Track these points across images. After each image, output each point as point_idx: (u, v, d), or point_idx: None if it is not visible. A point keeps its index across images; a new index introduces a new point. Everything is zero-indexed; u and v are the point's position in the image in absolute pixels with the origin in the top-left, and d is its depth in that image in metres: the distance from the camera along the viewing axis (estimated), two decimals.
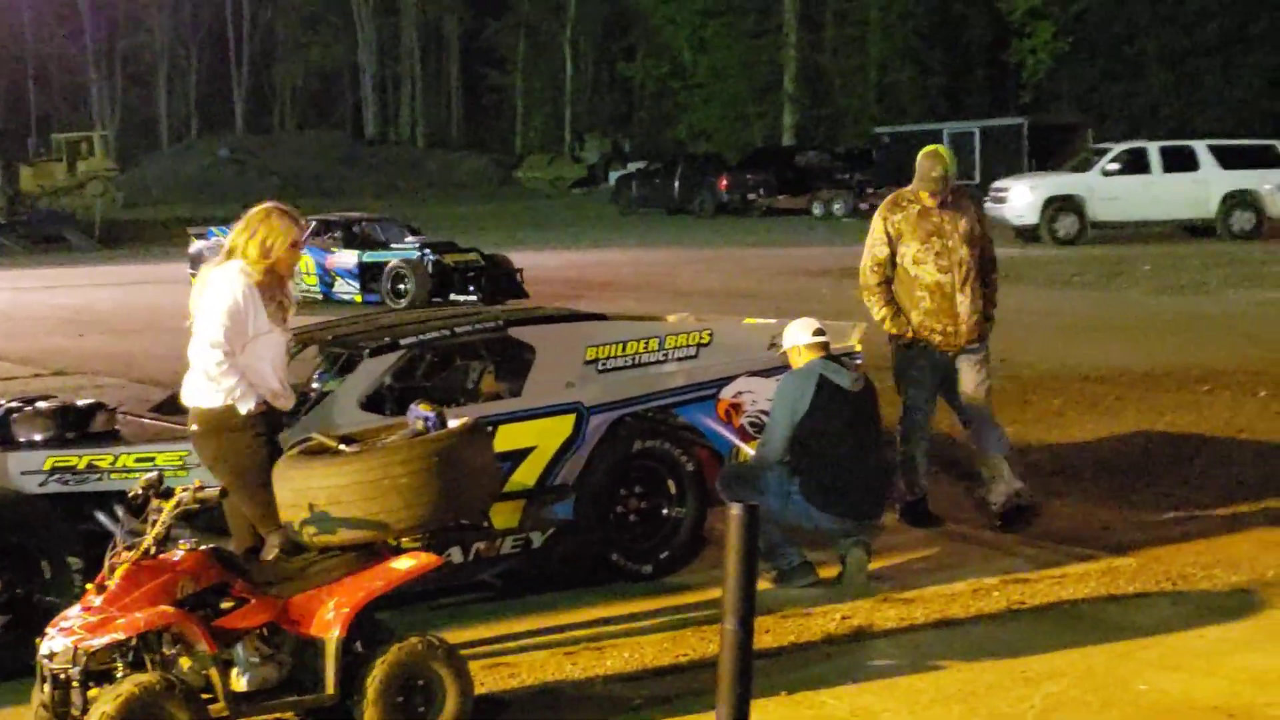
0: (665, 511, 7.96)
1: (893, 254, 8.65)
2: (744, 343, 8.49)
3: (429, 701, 5.57)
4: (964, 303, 8.60)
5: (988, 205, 32.37)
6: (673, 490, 7.96)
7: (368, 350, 7.55)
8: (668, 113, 67.44)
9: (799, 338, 7.82)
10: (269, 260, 6.24)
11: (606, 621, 7.09)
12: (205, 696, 5.39)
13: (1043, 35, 58.06)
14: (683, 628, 6.84)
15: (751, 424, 8.13)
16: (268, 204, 6.43)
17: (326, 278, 22.89)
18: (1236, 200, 31.65)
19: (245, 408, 6.12)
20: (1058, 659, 6.33)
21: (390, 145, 73.86)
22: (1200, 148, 32.29)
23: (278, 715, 5.62)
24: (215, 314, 6.15)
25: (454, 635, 6.14)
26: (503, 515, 7.40)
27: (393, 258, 22.36)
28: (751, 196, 45.74)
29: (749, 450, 8.01)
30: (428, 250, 22.29)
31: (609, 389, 7.87)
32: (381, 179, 63.14)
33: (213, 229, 24.22)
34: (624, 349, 8.02)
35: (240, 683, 5.49)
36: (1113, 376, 13.34)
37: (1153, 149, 32.29)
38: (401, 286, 21.90)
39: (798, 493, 7.55)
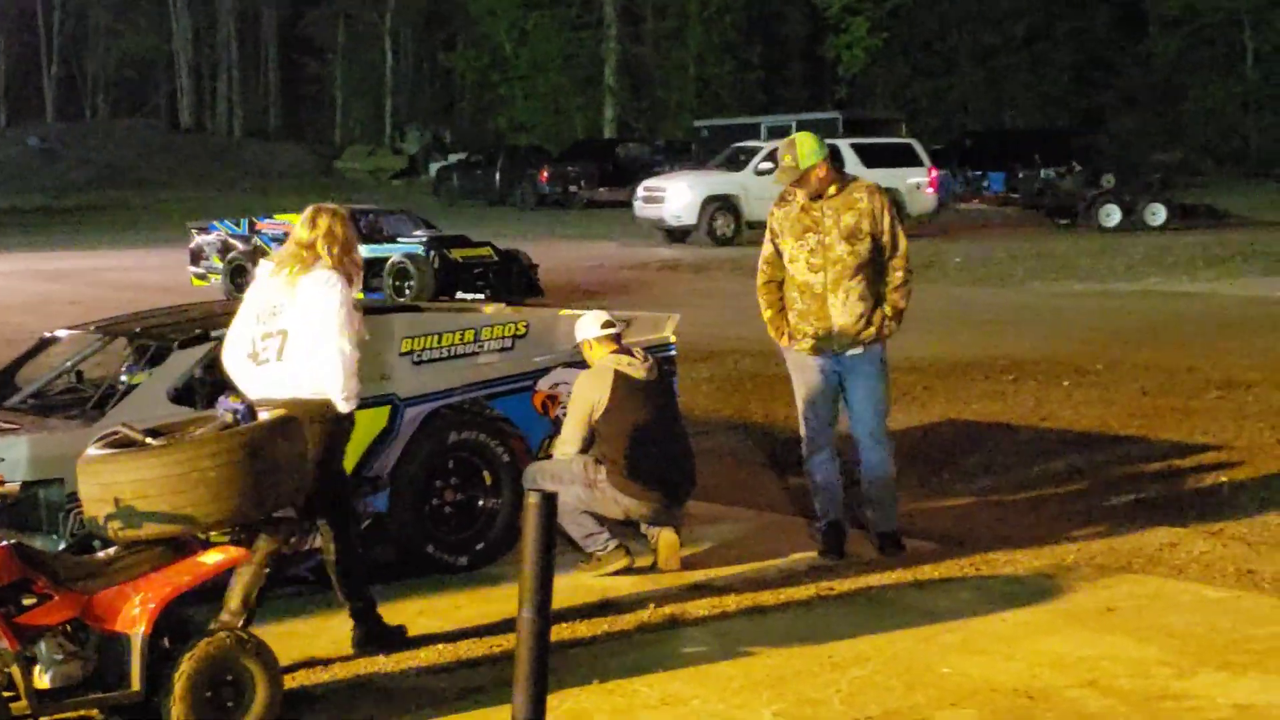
0: (481, 503, 7.97)
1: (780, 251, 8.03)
2: (560, 334, 8.52)
3: (238, 697, 5.52)
4: (836, 304, 7.85)
5: (638, 205, 32.11)
6: (489, 482, 7.98)
7: (177, 342, 7.44)
8: (489, 104, 67.24)
9: (589, 331, 7.90)
10: (350, 265, 6.64)
11: (421, 614, 7.07)
12: (7, 695, 5.28)
13: (857, 31, 58.85)
14: (497, 619, 6.85)
15: (564, 413, 8.17)
16: (332, 207, 6.78)
17: None
18: None
19: (349, 408, 6.51)
20: (864, 644, 6.45)
21: (206, 135, 72.65)
22: (844, 146, 32.12)
23: (83, 713, 5.53)
24: (338, 316, 6.45)
25: (263, 630, 6.08)
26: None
27: (395, 252, 20.71)
28: (573, 189, 45.83)
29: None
30: (434, 244, 20.79)
31: (424, 381, 7.86)
32: (197, 169, 62.03)
33: (215, 223, 22.90)
34: (439, 340, 8.01)
35: (43, 680, 5.39)
36: (922, 367, 13.60)
37: None
38: (404, 284, 20.38)
39: (604, 481, 7.61)
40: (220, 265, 21.89)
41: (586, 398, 7.70)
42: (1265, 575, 7.39)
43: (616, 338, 7.92)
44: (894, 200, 34.62)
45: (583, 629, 6.77)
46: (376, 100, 74.10)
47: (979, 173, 49.36)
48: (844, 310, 7.85)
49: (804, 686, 5.95)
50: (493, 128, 66.12)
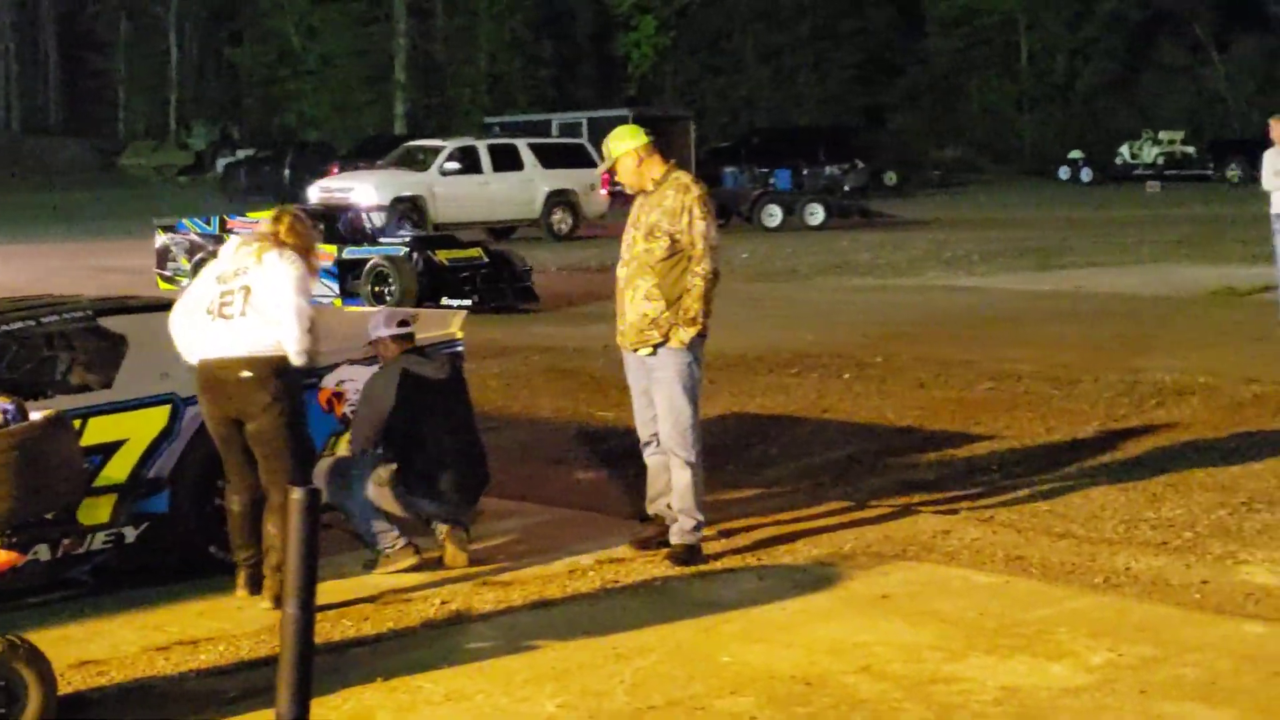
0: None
1: None
2: (345, 331, 8.47)
3: (10, 703, 5.41)
4: (627, 301, 7.82)
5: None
6: None
7: None
8: (277, 99, 66.34)
9: (381, 330, 7.90)
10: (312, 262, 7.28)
11: (202, 615, 7.00)
12: None
13: (647, 29, 59.31)
14: (279, 618, 6.80)
15: (354, 412, 8.13)
16: (295, 209, 7.55)
17: None
18: (558, 200, 31.95)
19: (302, 360, 7.03)
20: (648, 635, 6.55)
21: None
22: (523, 146, 32.44)
23: None
24: (299, 279, 7.05)
25: (38, 634, 5.97)
26: (95, 510, 7.23)
27: (375, 254, 19.06)
28: None
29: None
30: (418, 245, 19.22)
31: None
32: None
33: (183, 221, 21.49)
34: None
35: None
36: (707, 362, 13.72)
37: (482, 148, 32.17)
38: (384, 288, 18.71)
39: (394, 479, 7.61)
40: (187, 266, 20.15)
41: (376, 396, 7.69)
42: (1033, 561, 7.65)
43: (408, 336, 7.91)
44: (569, 201, 31.67)
45: (367, 627, 6.77)
46: (161, 95, 72.65)
47: (765, 170, 50.03)
48: (632, 308, 7.79)
49: (588, 679, 6.02)
50: (281, 123, 65.24)
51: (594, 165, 32.94)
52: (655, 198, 7.81)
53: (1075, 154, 58.62)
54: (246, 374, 7.00)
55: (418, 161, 32.01)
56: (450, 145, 32.42)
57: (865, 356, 14.48)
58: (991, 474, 9.61)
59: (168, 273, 20.86)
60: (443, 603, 7.10)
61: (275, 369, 6.99)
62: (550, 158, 32.50)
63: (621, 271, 7.91)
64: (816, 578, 7.40)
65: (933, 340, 15.60)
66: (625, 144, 7.86)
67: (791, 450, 10.50)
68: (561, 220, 32.14)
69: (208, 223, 21.11)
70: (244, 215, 21.31)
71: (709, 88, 64.47)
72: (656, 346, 7.74)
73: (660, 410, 7.79)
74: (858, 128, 60.28)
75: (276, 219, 7.28)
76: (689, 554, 7.71)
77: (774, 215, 33.98)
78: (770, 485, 9.46)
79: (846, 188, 49.04)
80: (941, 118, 66.48)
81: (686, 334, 7.70)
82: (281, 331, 6.97)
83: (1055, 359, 14.07)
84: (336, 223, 19.80)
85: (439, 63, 62.32)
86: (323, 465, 7.80)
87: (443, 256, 19.19)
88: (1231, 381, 12.62)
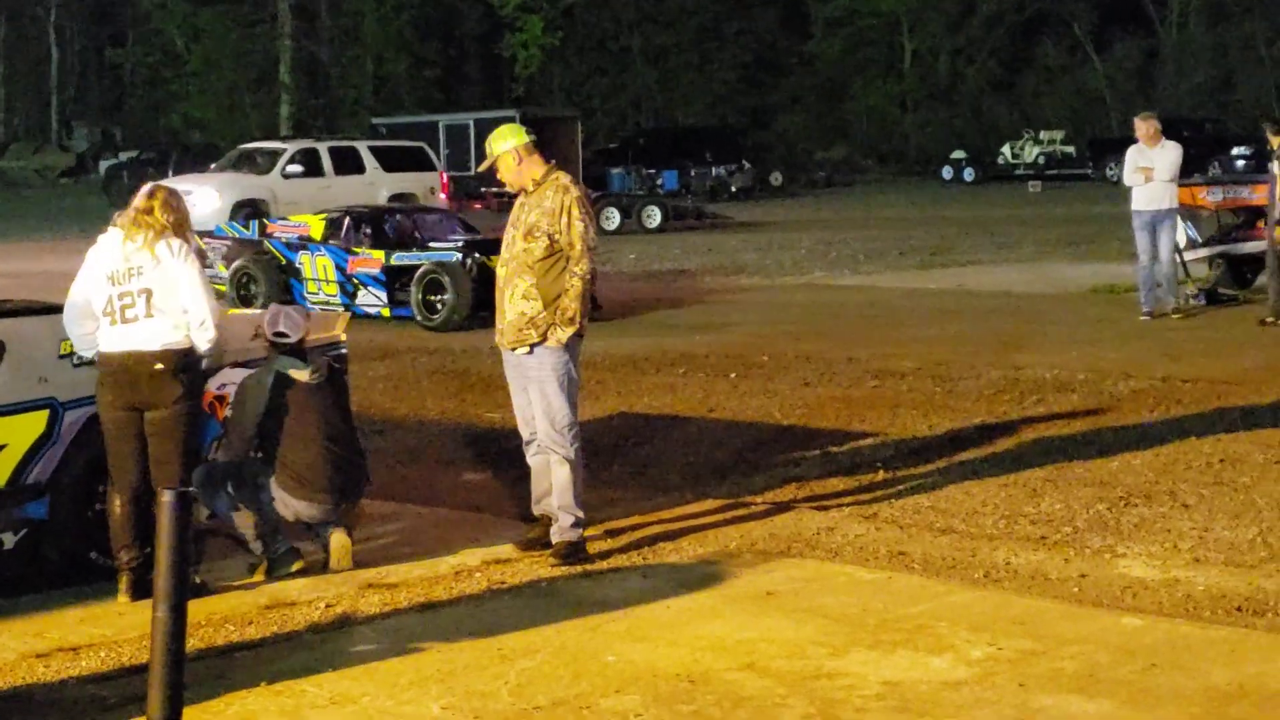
0: (150, 507, 7.80)
1: None
2: (229, 334, 8.39)
3: None
4: (504, 301, 7.86)
5: None
6: None
7: None
8: (160, 101, 65.60)
9: (265, 329, 7.86)
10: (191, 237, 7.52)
11: (83, 621, 6.91)
12: None
13: (533, 30, 59.23)
14: None
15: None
16: (167, 185, 7.64)
17: (349, 286, 18.09)
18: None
19: (208, 347, 7.31)
20: (533, 635, 6.55)
21: None
22: (363, 149, 32.18)
23: None
24: (199, 272, 7.34)
25: None
26: None
27: (426, 260, 17.55)
28: None
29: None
30: (471, 250, 17.47)
31: (85, 383, 7.65)
32: None
33: (220, 226, 20.77)
34: None
35: None
36: (595, 361, 13.80)
37: (323, 149, 31.93)
38: (437, 297, 17.27)
39: (273, 483, 7.56)
40: (225, 274, 19.02)
41: (246, 397, 7.66)
42: (915, 556, 7.74)
43: (282, 339, 7.85)
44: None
45: (251, 631, 6.72)
46: (41, 96, 71.56)
47: (652, 170, 50.13)
48: (510, 308, 7.82)
49: (473, 680, 6.02)
50: (165, 125, 64.49)
51: (434, 168, 32.68)
52: (535, 198, 7.84)
53: (958, 154, 59.35)
54: (160, 366, 7.17)
55: (258, 165, 31.50)
56: (291, 148, 32.11)
57: (752, 355, 14.57)
58: (875, 471, 9.71)
59: None
60: (327, 606, 7.07)
61: (187, 361, 7.21)
62: (391, 160, 32.13)
63: (501, 271, 7.94)
64: (701, 576, 7.44)
65: (818, 339, 15.73)
66: (506, 143, 7.90)
67: (677, 449, 10.54)
68: None
69: (245, 226, 20.25)
70: (286, 218, 20.67)
71: (596, 88, 64.56)
72: (534, 346, 7.77)
73: (538, 409, 7.83)
74: (744, 128, 60.67)
75: (150, 195, 7.35)
76: (571, 551, 7.72)
77: (611, 218, 33.90)
78: (656, 484, 9.50)
79: (734, 188, 49.38)
80: (827, 118, 67.09)
81: (565, 333, 7.74)
82: (192, 326, 7.22)
83: (938, 356, 14.24)
84: (383, 226, 18.88)
85: (324, 64, 61.85)
86: (201, 469, 7.73)
87: (496, 263, 18.18)
88: (1110, 377, 12.84)
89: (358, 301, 17.88)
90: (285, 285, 18.60)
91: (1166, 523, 8.24)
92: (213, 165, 34.29)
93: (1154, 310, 16.80)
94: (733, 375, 13.52)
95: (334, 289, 18.17)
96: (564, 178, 7.92)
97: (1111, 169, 52.22)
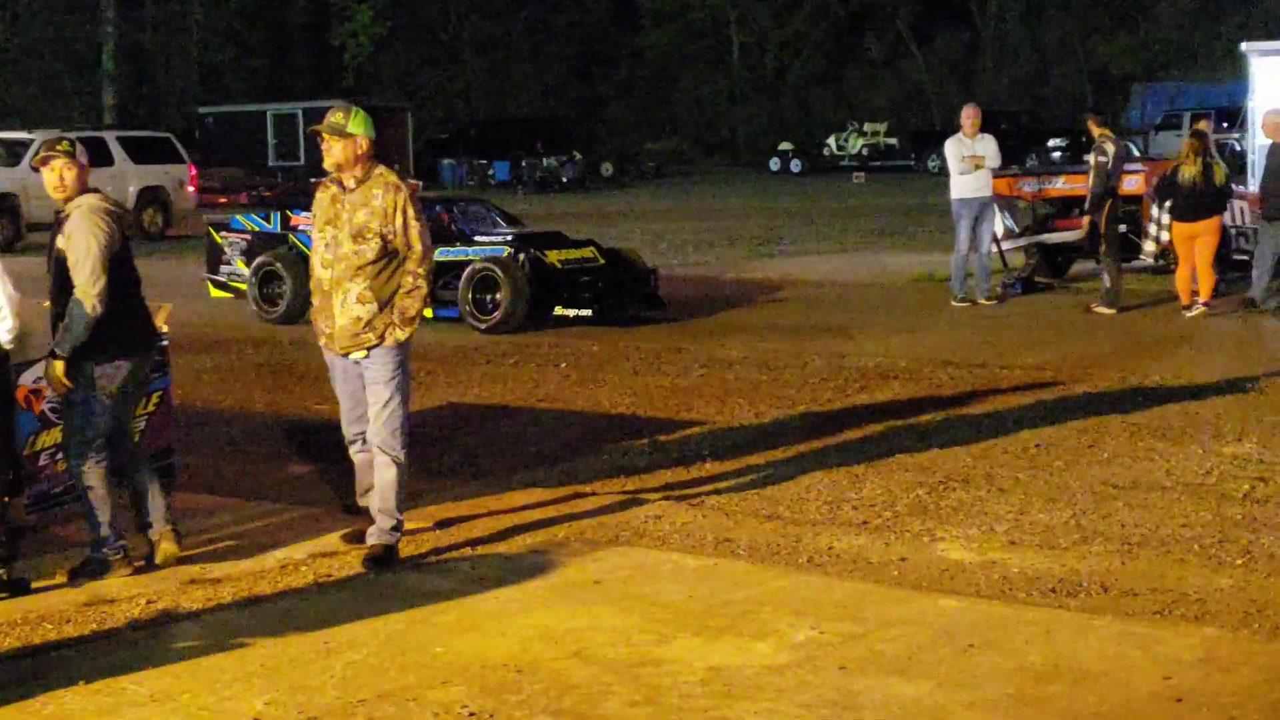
0: None
1: None
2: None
3: None
4: (337, 304, 7.57)
5: None
6: None
7: None
8: None
9: None
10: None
11: None
12: None
13: (363, 18, 58.72)
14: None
15: (52, 410, 7.91)
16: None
17: None
18: (150, 197, 30.80)
19: (9, 341, 7.28)
20: (360, 628, 6.52)
21: None
22: (112, 140, 31.20)
23: None
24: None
25: None
26: None
27: (475, 256, 16.21)
28: None
29: None
30: (523, 244, 16.33)
31: None
32: None
33: (237, 218, 18.84)
34: None
35: None
36: (426, 352, 13.76)
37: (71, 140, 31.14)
38: (489, 295, 15.90)
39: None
40: (245, 270, 17.63)
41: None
42: (741, 543, 7.83)
43: None
44: (160, 199, 31.17)
45: (70, 629, 6.61)
46: None
47: (484, 161, 49.99)
48: (343, 311, 7.57)
49: (298, 674, 5.98)
50: None
51: (183, 160, 31.54)
52: (359, 196, 7.58)
53: (785, 145, 59.97)
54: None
55: (5, 157, 29.98)
56: (39, 138, 31.14)
57: (582, 345, 14.62)
58: (702, 459, 9.80)
59: (220, 277, 18.33)
60: (149, 602, 6.97)
61: None
62: (140, 152, 31.10)
63: (325, 274, 7.64)
64: (530, 565, 7.47)
65: (647, 328, 15.81)
66: (362, 129, 7.59)
67: (507, 440, 10.55)
68: (153, 219, 30.69)
69: (266, 219, 18.36)
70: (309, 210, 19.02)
71: (427, 79, 64.17)
72: (370, 348, 7.58)
73: (374, 410, 7.63)
74: (575, 120, 60.76)
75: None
76: (386, 555, 7.57)
77: None
78: (486, 474, 9.50)
79: (564, 179, 49.43)
80: (656, 110, 67.44)
81: (404, 334, 7.58)
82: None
83: (764, 345, 14.41)
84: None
85: (149, 52, 60.71)
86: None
87: (554, 258, 16.16)
88: (930, 365, 13.10)
89: None
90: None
91: (984, 506, 8.43)
92: None
93: (968, 298, 17.18)
94: (562, 365, 13.56)
95: None
96: (390, 175, 7.71)
97: (933, 160, 53.22)
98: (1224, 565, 7.26)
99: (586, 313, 15.84)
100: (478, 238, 16.64)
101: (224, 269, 18.28)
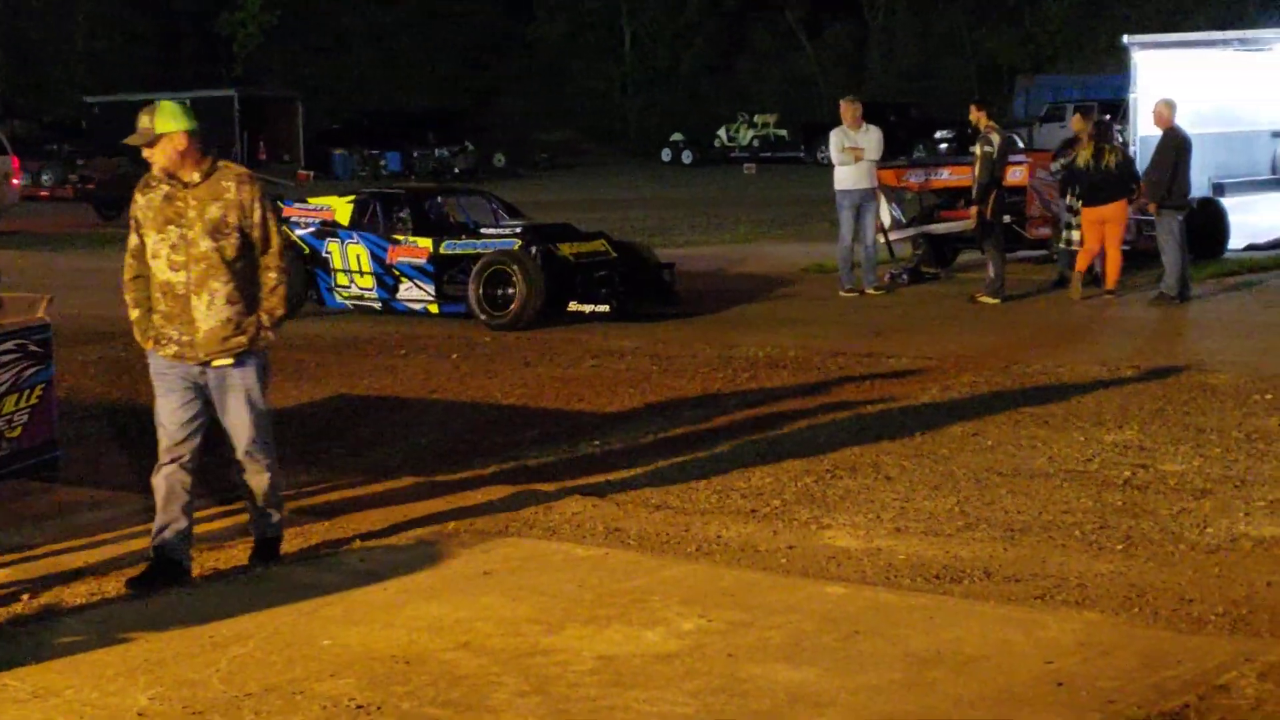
0: None
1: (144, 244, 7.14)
2: None
3: None
4: (200, 307, 7.04)
5: None
6: None
7: None
8: None
9: None
10: None
11: None
12: None
13: (251, 7, 58.14)
14: None
15: None
16: None
17: (388, 278, 16.12)
18: None
19: None
20: (246, 622, 6.48)
21: None
22: None
23: None
24: None
25: None
26: None
27: (486, 248, 15.58)
28: None
29: None
30: (534, 237, 15.70)
31: None
32: None
33: None
34: None
35: None
36: (317, 344, 13.70)
37: None
38: (503, 291, 15.23)
39: None
40: None
41: None
42: (631, 532, 7.86)
43: None
44: None
45: None
46: None
47: (375, 152, 49.71)
48: (209, 314, 7.04)
49: (182, 669, 5.93)
50: None
51: (6, 152, 30.64)
52: (207, 190, 7.04)
53: (677, 136, 60.11)
54: None
55: None
56: None
57: (473, 337, 14.60)
58: (593, 449, 9.82)
59: None
60: (30, 597, 6.88)
61: None
62: None
63: (178, 276, 7.04)
64: (420, 557, 7.44)
65: (540, 319, 15.77)
66: (177, 123, 6.99)
67: (398, 431, 10.52)
68: None
69: None
70: (305, 201, 17.66)
71: (318, 69, 63.66)
72: (240, 354, 7.13)
73: (242, 418, 7.20)
74: (468, 110, 60.55)
75: None
76: (272, 550, 7.47)
77: None
78: (376, 466, 9.46)
79: (456, 170, 49.25)
80: (549, 101, 67.33)
81: (271, 336, 7.23)
82: None
83: (655, 336, 14.46)
84: (424, 210, 16.69)
85: (32, 40, 59.76)
86: None
87: (566, 251, 15.67)
88: (819, 355, 13.22)
89: (399, 296, 16.08)
90: (309, 277, 16.51)
91: (871, 494, 8.52)
92: None
93: (856, 288, 17.35)
94: (454, 356, 13.54)
95: (370, 281, 16.21)
96: (237, 167, 7.19)
97: (822, 151, 53.60)
98: (1104, 550, 7.38)
99: (604, 308, 15.35)
100: (484, 230, 16.16)
101: None
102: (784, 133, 59.69)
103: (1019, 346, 13.70)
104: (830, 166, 18.03)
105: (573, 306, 15.41)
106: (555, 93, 67.71)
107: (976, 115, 17.03)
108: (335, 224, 16.64)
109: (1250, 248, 20.71)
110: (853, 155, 17.16)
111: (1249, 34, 24.46)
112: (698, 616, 6.46)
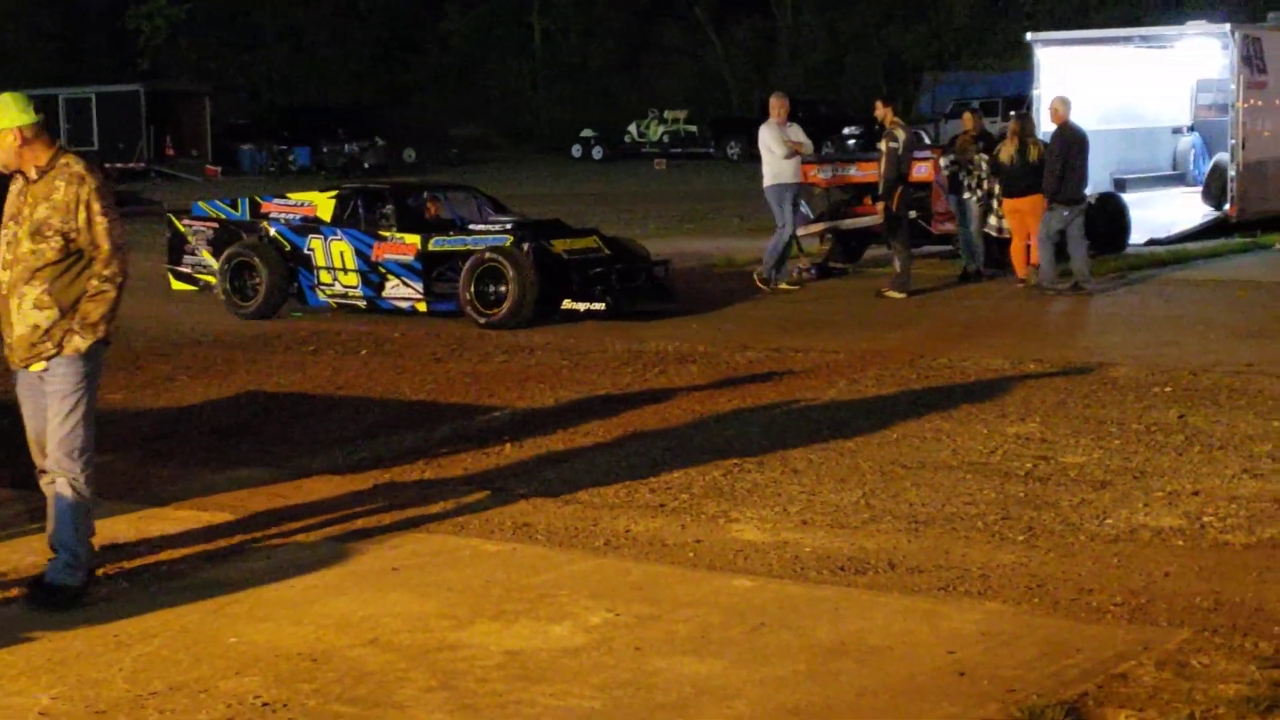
0: None
1: None
2: None
3: None
4: (14, 310, 6.67)
5: None
6: None
7: None
8: None
9: None
10: None
11: None
12: None
13: (158, 2, 57.56)
14: None
15: None
16: None
17: (374, 276, 15.66)
18: None
19: None
20: (151, 620, 6.44)
21: None
22: None
23: None
24: None
25: None
26: None
27: (477, 244, 15.18)
28: None
29: None
30: (526, 233, 15.27)
31: None
32: None
33: (199, 204, 17.41)
34: None
35: None
36: (224, 340, 13.63)
37: None
38: (495, 288, 14.85)
39: None
40: (212, 262, 16.57)
41: None
42: (539, 527, 7.87)
43: None
44: None
45: None
46: None
47: (284, 147, 49.37)
48: (20, 318, 6.67)
49: (85, 668, 5.89)
50: None
51: None
52: (41, 188, 6.64)
53: (588, 132, 60.11)
54: None
55: None
56: None
57: (383, 332, 14.56)
58: (502, 444, 9.82)
59: (184, 269, 17.14)
60: None
61: None
62: None
63: (4, 275, 6.70)
64: (327, 554, 7.43)
65: (449, 315, 15.75)
66: (7, 119, 6.60)
67: (306, 427, 10.47)
68: None
69: (234, 206, 17.00)
70: (285, 196, 17.09)
71: (228, 63, 63.12)
72: (50, 359, 6.69)
73: (51, 426, 6.71)
74: (378, 106, 60.28)
75: None
76: (61, 597, 6.67)
77: None
78: (283, 463, 9.42)
79: (366, 165, 49.03)
80: (461, 96, 67.14)
81: (85, 341, 6.67)
82: None
83: (565, 331, 14.47)
84: (409, 205, 16.24)
85: None
86: None
87: (559, 247, 15.29)
88: (728, 349, 13.29)
89: (385, 294, 15.62)
90: (291, 275, 16.13)
91: (778, 487, 8.58)
92: None
93: (767, 282, 17.44)
94: (363, 352, 13.49)
95: (354, 279, 15.74)
96: (76, 164, 6.70)
97: (732, 147, 53.82)
98: (1006, 542, 7.48)
99: (599, 306, 15.02)
100: (473, 225, 15.84)
101: (188, 259, 17.14)
102: (694, 128, 59.84)
103: (924, 341, 13.84)
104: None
105: (567, 305, 15.12)
106: (467, 89, 67.52)
107: (883, 112, 17.17)
108: (318, 220, 16.21)
109: (1151, 242, 21.03)
110: (793, 148, 17.37)
111: (1151, 31, 24.86)
112: (605, 611, 6.49)
